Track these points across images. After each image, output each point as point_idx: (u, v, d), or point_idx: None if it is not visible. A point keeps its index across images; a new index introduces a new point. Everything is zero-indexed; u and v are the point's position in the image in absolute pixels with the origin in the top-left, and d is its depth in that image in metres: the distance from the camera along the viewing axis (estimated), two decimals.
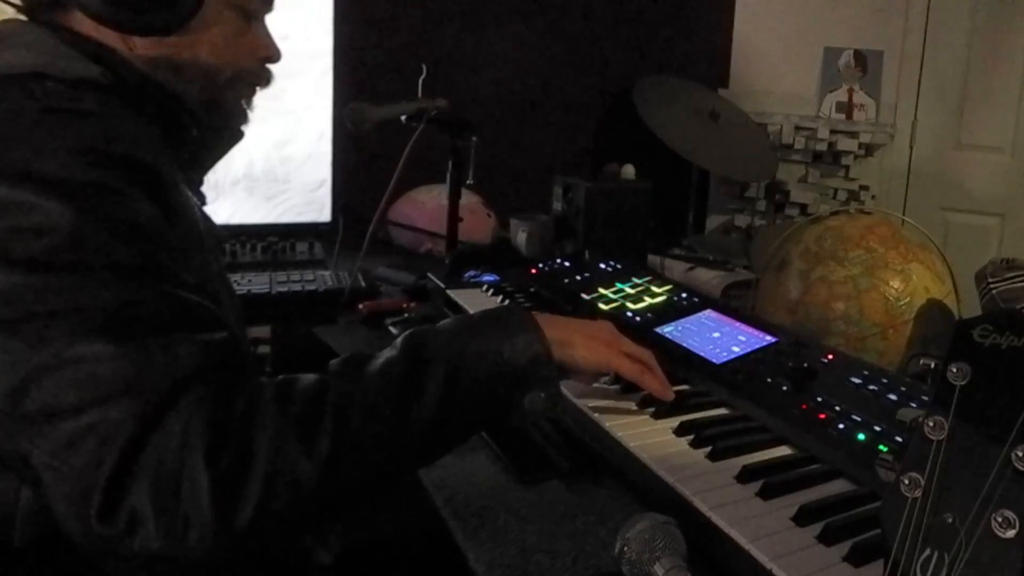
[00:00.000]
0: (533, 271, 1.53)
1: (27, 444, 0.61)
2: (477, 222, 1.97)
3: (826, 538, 0.69)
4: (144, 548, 0.58)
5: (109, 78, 0.78)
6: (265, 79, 0.95)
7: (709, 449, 0.85)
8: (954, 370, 0.44)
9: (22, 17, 0.81)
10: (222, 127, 0.93)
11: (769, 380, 0.97)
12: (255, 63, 0.91)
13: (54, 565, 0.69)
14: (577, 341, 0.85)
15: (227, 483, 0.60)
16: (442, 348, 0.74)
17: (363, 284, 1.57)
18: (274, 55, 0.93)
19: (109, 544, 0.59)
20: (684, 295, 1.27)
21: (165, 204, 0.73)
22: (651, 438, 0.88)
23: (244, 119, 0.95)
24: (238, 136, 0.97)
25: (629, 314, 1.25)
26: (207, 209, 0.96)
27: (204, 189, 0.97)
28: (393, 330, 1.36)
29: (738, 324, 1.13)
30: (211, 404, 0.62)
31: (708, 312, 1.20)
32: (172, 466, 0.59)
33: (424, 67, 1.59)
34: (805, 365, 0.98)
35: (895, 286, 1.21)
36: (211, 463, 0.60)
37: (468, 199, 1.89)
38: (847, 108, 2.91)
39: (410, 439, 0.70)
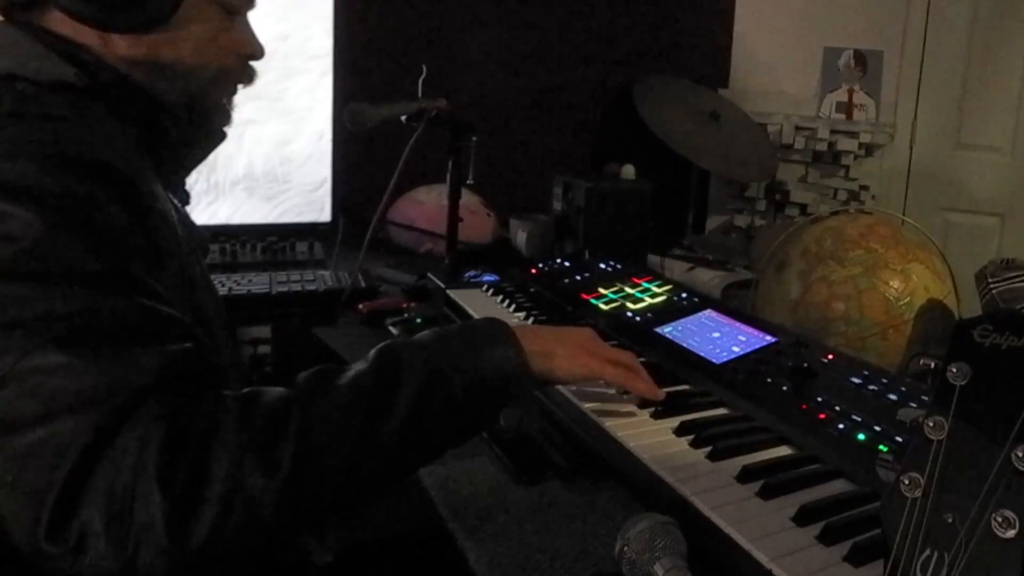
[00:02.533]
0: (533, 271, 1.53)
1: None
2: (477, 222, 1.97)
3: (826, 538, 0.69)
4: (94, 566, 0.56)
5: (85, 80, 0.76)
6: (248, 77, 0.92)
7: (709, 449, 0.85)
8: (954, 370, 0.44)
9: None
10: (203, 128, 0.90)
11: (769, 380, 0.97)
12: (238, 61, 0.89)
13: None
14: (558, 352, 0.84)
15: (181, 501, 0.58)
16: (415, 362, 0.72)
17: (363, 284, 1.57)
18: (257, 52, 0.90)
19: (59, 562, 0.57)
20: (684, 295, 1.27)
21: (138, 210, 0.71)
22: (651, 438, 0.88)
23: (227, 119, 0.93)
24: (220, 137, 0.94)
25: (629, 314, 1.25)
26: (191, 209, 0.94)
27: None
28: (393, 330, 1.36)
29: (738, 324, 1.13)
30: (169, 418, 0.60)
31: (708, 312, 1.20)
32: (125, 482, 0.57)
33: (424, 67, 1.59)
34: (805, 365, 0.98)
35: (895, 286, 1.22)
36: (165, 480, 0.58)
37: (468, 199, 1.89)
38: (847, 108, 2.90)
39: (377, 455, 0.67)
